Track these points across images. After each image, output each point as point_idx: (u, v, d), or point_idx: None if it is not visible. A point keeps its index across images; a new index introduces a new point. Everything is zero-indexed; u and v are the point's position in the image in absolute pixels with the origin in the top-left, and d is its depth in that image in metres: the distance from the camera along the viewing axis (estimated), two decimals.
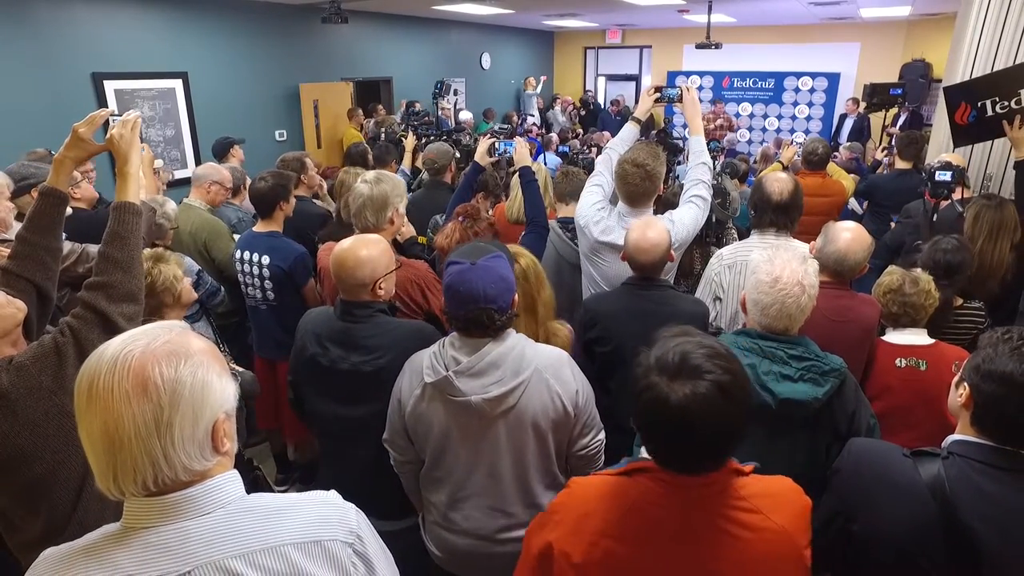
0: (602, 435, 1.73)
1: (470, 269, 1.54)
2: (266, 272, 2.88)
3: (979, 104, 3.13)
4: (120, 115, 1.66)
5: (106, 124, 1.67)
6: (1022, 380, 1.17)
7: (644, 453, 1.17)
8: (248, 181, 3.58)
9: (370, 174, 2.40)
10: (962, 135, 3.32)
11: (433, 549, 1.76)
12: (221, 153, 4.61)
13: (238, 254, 2.95)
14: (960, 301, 2.42)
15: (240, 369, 2.56)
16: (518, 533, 1.55)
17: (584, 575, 1.10)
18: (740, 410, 1.06)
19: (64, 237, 2.51)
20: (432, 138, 4.65)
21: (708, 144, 2.76)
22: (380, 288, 1.88)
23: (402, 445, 1.72)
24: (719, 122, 10.42)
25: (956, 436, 1.29)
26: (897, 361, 2.05)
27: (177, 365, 0.85)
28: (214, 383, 0.88)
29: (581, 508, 1.15)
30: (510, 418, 1.58)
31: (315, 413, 1.98)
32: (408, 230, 2.89)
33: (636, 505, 1.11)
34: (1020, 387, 1.17)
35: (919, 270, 2.18)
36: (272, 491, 3.03)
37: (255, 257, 2.89)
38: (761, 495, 1.11)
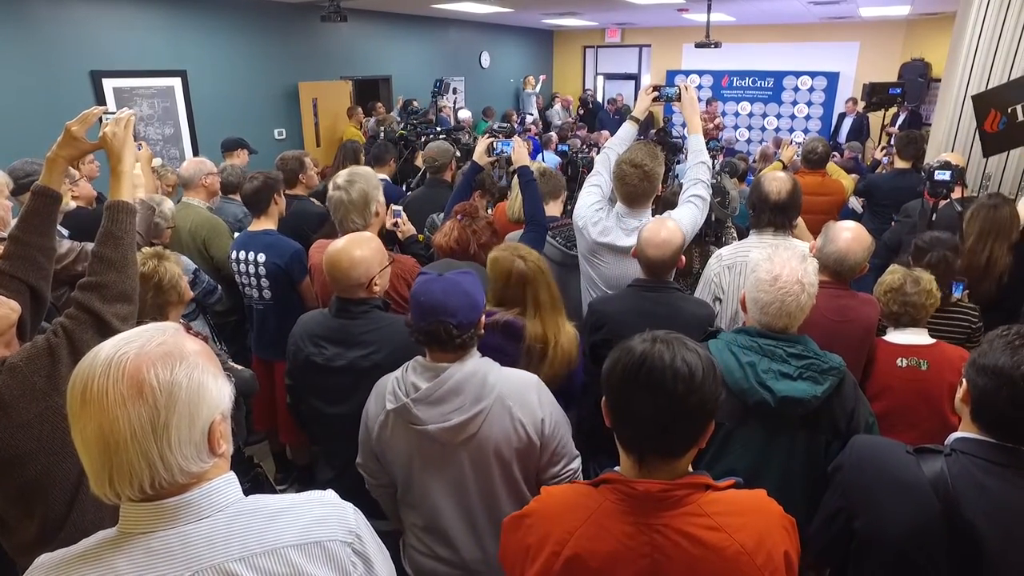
0: (575, 464, 1.66)
1: (434, 280, 1.53)
2: (262, 270, 2.87)
3: (1009, 110, 3.10)
4: (113, 113, 1.65)
5: (101, 122, 1.66)
6: (1011, 372, 1.17)
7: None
8: None
9: (341, 178, 2.38)
10: (992, 143, 3.25)
11: (411, 574, 1.72)
12: (230, 148, 4.60)
13: (234, 254, 2.94)
14: (955, 298, 2.41)
15: (239, 367, 2.56)
16: (495, 563, 1.48)
17: None
18: (699, 400, 1.05)
19: (66, 235, 2.53)
20: (431, 137, 4.65)
21: (707, 143, 2.75)
22: (376, 285, 1.89)
23: (374, 468, 1.69)
24: (717, 121, 10.42)
25: (959, 433, 1.29)
26: (898, 361, 2.05)
27: (172, 367, 0.84)
28: (209, 384, 0.88)
29: (549, 517, 1.14)
30: (472, 447, 1.53)
31: (313, 413, 1.97)
32: (408, 228, 2.89)
33: (595, 516, 1.10)
34: (1011, 380, 1.16)
35: (920, 270, 2.18)
36: (274, 490, 3.03)
37: (251, 256, 2.88)
38: (728, 512, 1.08)
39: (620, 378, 1.08)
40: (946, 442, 1.30)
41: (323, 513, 0.96)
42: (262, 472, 2.74)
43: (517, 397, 1.54)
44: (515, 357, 1.85)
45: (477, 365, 1.55)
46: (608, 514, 1.09)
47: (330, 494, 1.01)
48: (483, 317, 1.59)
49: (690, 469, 1.15)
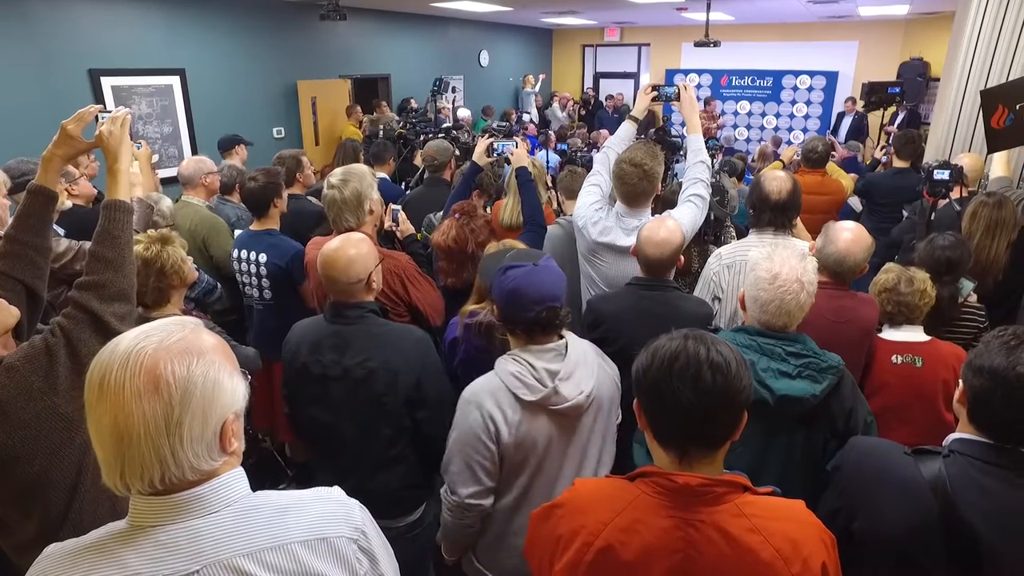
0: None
1: (535, 271, 1.56)
2: (263, 270, 2.87)
3: (1017, 107, 3.10)
4: (110, 111, 1.63)
5: (97, 121, 1.65)
6: (1005, 374, 1.17)
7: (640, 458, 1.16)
8: None
9: (335, 176, 2.37)
10: (998, 139, 3.24)
11: None
12: (227, 147, 4.58)
13: (235, 253, 2.94)
14: (963, 298, 2.40)
15: (241, 345, 2.54)
16: None
17: (574, 572, 1.10)
18: (735, 390, 1.06)
19: (63, 234, 2.53)
20: (430, 135, 4.65)
21: (706, 142, 2.75)
22: (373, 282, 1.89)
23: (490, 487, 1.62)
24: (719, 120, 10.43)
25: (956, 434, 1.29)
26: (893, 358, 2.06)
27: (189, 364, 0.85)
28: (225, 383, 0.88)
29: (582, 507, 1.14)
30: (592, 408, 1.64)
31: (311, 421, 1.94)
32: (407, 228, 2.89)
33: (630, 508, 1.09)
34: (1006, 381, 1.16)
35: (915, 268, 2.18)
36: (280, 464, 3.01)
37: (252, 255, 2.88)
38: (766, 516, 1.06)
39: (657, 374, 1.08)
40: (944, 443, 1.30)
41: (330, 509, 0.97)
42: (268, 446, 2.70)
43: (600, 354, 1.74)
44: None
45: (572, 336, 1.67)
46: (644, 507, 1.08)
47: (336, 491, 1.02)
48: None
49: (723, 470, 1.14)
